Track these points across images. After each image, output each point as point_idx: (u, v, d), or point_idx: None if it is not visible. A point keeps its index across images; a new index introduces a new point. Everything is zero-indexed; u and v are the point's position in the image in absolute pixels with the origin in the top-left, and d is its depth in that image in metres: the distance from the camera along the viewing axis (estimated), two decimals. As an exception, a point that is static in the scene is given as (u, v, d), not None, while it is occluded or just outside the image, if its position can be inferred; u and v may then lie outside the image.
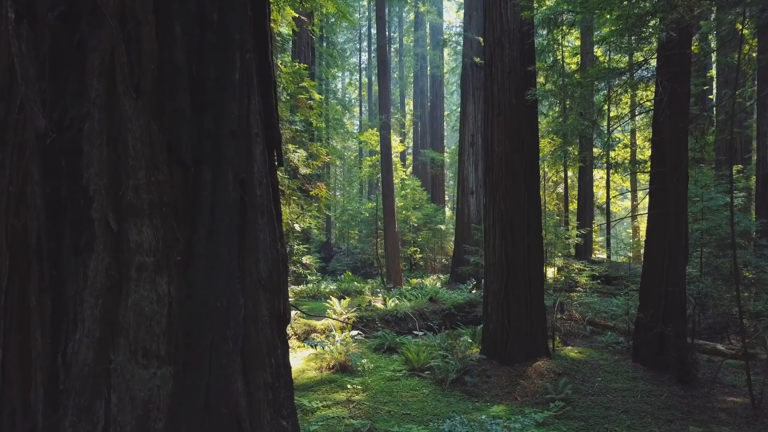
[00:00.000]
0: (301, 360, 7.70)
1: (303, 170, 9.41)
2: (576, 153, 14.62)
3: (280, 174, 6.91)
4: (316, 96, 10.40)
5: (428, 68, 32.58)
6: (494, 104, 7.33)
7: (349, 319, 9.32)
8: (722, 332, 9.33)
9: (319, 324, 8.93)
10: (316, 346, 5.73)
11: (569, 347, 8.47)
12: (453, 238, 20.60)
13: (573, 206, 19.93)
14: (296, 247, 8.57)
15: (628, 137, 21.41)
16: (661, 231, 6.99)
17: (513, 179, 7.15)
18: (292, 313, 9.04)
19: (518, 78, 7.16)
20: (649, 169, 7.37)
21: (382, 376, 6.88)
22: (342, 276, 20.38)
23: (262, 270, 2.35)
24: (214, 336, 2.16)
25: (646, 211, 7.79)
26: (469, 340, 8.19)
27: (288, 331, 8.46)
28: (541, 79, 9.49)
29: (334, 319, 7.62)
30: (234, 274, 2.22)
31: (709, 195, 9.64)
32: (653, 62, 7.98)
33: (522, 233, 7.13)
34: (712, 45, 15.95)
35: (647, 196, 7.57)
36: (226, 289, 2.20)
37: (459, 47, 32.20)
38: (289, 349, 7.27)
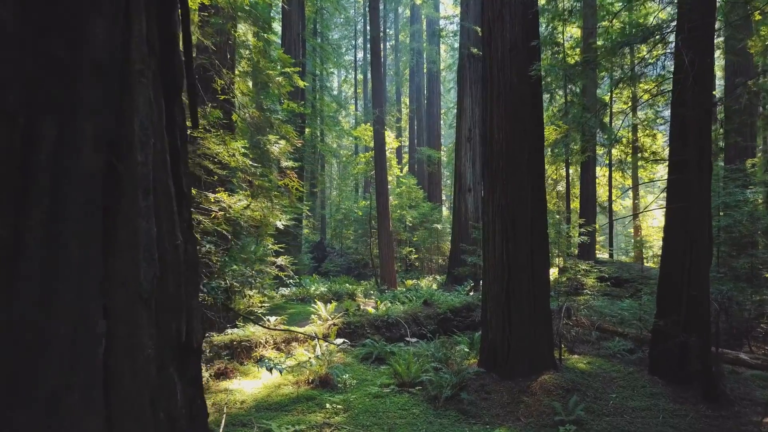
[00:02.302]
0: (277, 373, 6.89)
1: (285, 163, 8.60)
2: (577, 147, 13.84)
3: (251, 162, 6.09)
4: (300, 83, 9.63)
5: (425, 64, 31.79)
6: (493, 85, 6.53)
7: (334, 325, 8.51)
8: (741, 338, 8.56)
9: (302, 331, 8.11)
10: (272, 369, 4.82)
11: (576, 356, 7.68)
12: (450, 238, 19.82)
13: (574, 204, 19.18)
14: (270, 246, 7.74)
15: (630, 134, 20.69)
16: (681, 227, 6.20)
17: (515, 169, 6.35)
18: (272, 319, 8.23)
19: (520, 55, 6.36)
20: (666, 157, 6.57)
21: (367, 393, 6.07)
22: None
23: (143, 276, 1.54)
24: (54, 382, 1.37)
25: (655, 206, 6.99)
26: (466, 350, 7.40)
27: (268, 340, 7.65)
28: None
29: (307, 336, 6.81)
30: (90, 281, 1.41)
31: (727, 189, 8.89)
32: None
33: (525, 229, 6.33)
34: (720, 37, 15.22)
35: (665, 190, 6.79)
36: (76, 305, 1.40)
37: (456, 45, 31.39)
38: (265, 360, 6.35)
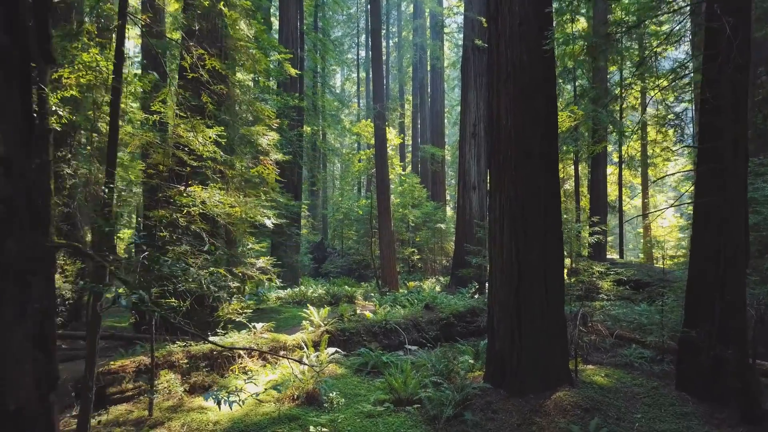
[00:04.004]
0: (261, 387, 6.21)
1: (274, 156, 7.91)
2: (586, 143, 13.15)
3: (222, 152, 5.35)
4: (291, 71, 8.96)
5: (428, 61, 31.07)
6: (501, 65, 5.82)
7: (327, 332, 7.82)
8: (769, 347, 7.82)
9: (290, 339, 7.43)
10: (220, 402, 4.03)
11: (591, 366, 6.96)
12: (453, 238, 19.09)
13: (582, 203, 18.47)
14: (251, 245, 6.99)
15: (640, 131, 19.93)
16: (713, 224, 5.47)
17: (525, 159, 5.64)
18: (258, 326, 7.55)
19: (532, 30, 5.65)
20: (694, 144, 5.85)
21: (358, 411, 5.37)
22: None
23: None
24: None
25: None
26: (471, 361, 6.69)
27: (252, 348, 6.97)
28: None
29: (290, 357, 6.12)
30: None
31: (755, 184, 8.13)
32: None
33: (537, 227, 5.61)
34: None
35: (677, 190, 6.07)
36: None
37: (460, 42, 30.61)
38: (248, 373, 5.70)
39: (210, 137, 4.91)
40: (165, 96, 4.85)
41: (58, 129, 4.89)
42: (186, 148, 5.05)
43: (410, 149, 34.63)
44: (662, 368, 6.57)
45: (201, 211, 5.31)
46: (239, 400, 4.15)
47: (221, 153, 5.19)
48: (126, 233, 18.61)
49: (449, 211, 29.09)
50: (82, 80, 4.57)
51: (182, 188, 5.26)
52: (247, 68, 7.15)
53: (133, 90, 5.84)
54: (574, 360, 6.31)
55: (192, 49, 4.74)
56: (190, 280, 4.38)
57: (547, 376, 5.59)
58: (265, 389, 5.89)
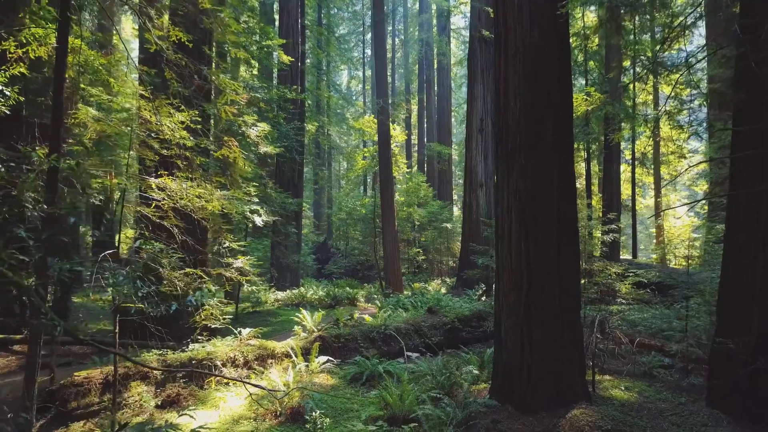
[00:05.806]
0: (243, 400, 5.63)
1: (264, 148, 7.32)
2: (598, 132, 12.48)
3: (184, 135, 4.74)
4: (284, 58, 8.40)
5: (434, 58, 30.41)
6: (509, 41, 5.19)
7: (320, 338, 7.23)
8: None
9: (279, 346, 6.83)
10: None
11: (608, 376, 6.32)
12: (460, 238, 18.42)
13: (594, 201, 17.77)
14: (229, 243, 6.37)
15: (651, 126, 19.19)
16: (752, 218, 4.81)
17: (536, 146, 5.00)
18: (245, 332, 6.97)
19: (543, 2, 5.02)
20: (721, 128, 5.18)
21: (346, 431, 4.76)
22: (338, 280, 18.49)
23: None
24: None
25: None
26: (475, 372, 6.06)
27: (236, 357, 6.39)
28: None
29: (250, 382, 5.52)
30: None
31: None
32: None
33: (550, 223, 4.97)
34: None
35: (714, 178, 5.40)
36: None
37: (467, 39, 29.81)
38: (229, 384, 5.10)
39: (179, 122, 4.33)
40: (124, 74, 4.29)
41: (8, 112, 4.35)
42: (154, 134, 4.49)
43: (416, 148, 34.01)
44: (689, 381, 5.91)
45: (173, 205, 4.75)
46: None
47: (190, 137, 4.61)
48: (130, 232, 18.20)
49: (456, 211, 28.42)
50: (32, 56, 4.02)
51: (151, 180, 4.69)
52: (216, 36, 6.50)
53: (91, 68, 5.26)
54: (592, 372, 5.66)
55: (155, 19, 4.19)
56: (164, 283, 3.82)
57: (561, 391, 4.94)
58: (247, 403, 5.29)
